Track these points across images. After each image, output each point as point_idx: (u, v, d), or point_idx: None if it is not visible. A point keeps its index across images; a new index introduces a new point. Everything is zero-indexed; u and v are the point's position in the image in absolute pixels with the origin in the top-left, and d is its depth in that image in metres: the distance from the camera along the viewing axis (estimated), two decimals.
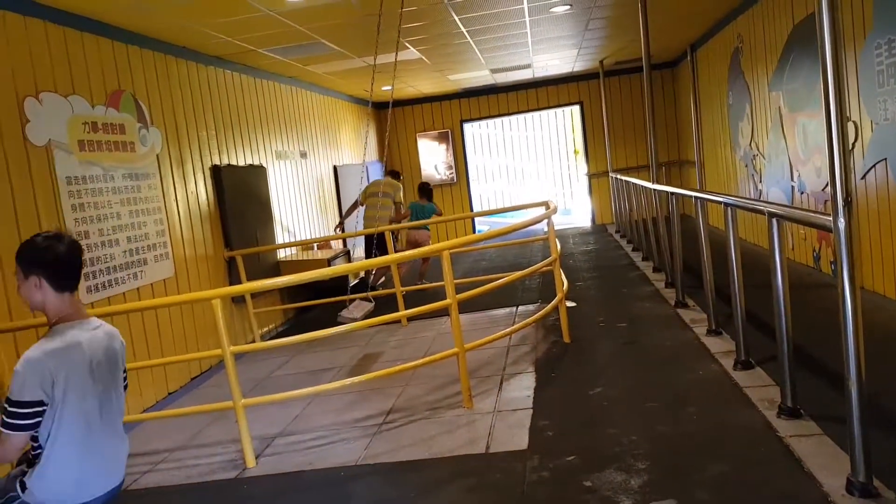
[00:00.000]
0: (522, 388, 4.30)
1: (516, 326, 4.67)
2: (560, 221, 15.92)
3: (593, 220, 13.94)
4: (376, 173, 12.89)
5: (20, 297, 2.29)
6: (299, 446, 3.98)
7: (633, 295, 6.59)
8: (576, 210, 16.76)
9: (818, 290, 5.87)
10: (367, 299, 5.77)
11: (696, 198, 4.65)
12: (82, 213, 4.86)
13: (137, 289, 5.39)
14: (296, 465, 3.71)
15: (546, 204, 6.15)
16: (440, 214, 9.09)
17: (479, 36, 7.98)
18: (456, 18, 6.93)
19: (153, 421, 4.76)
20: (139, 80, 5.73)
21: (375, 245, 7.31)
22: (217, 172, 6.78)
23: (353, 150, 11.69)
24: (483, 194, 18.30)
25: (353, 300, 5.80)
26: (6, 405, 2.10)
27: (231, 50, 6.84)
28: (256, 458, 3.84)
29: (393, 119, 13.85)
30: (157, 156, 5.88)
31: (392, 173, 9.72)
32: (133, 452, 4.26)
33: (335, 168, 10.48)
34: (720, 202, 4.00)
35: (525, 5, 6.79)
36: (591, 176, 13.76)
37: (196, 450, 4.23)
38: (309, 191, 9.29)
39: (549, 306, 5.01)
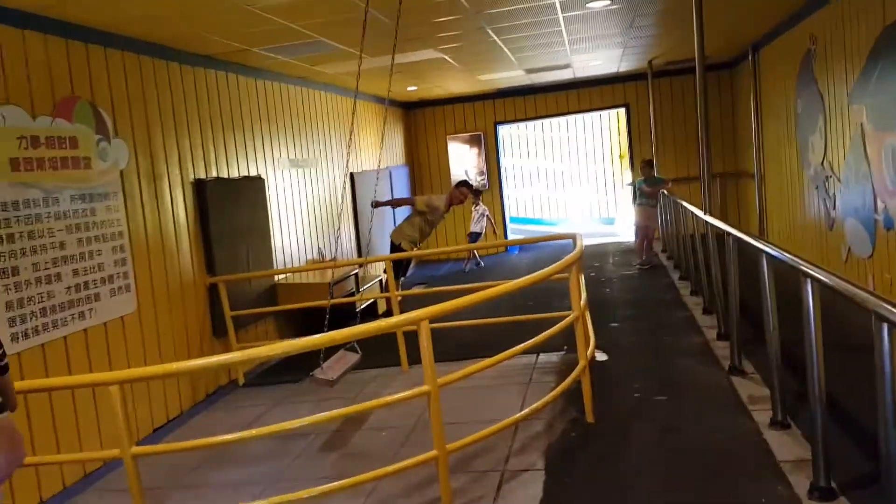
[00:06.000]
0: (526, 498, 3.33)
1: (525, 413, 3.69)
2: (601, 232, 14.79)
3: (637, 235, 12.75)
4: (401, 178, 12.03)
5: None
6: None
7: (678, 348, 5.53)
8: (619, 219, 15.58)
9: None
10: (352, 349, 4.86)
11: (762, 252, 3.59)
12: (10, 245, 4.07)
13: (85, 330, 4.60)
14: None
15: (573, 238, 5.17)
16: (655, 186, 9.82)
17: (507, 34, 6.98)
18: (475, 14, 5.96)
19: None
20: (101, 85, 4.93)
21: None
22: (201, 187, 5.96)
23: (375, 154, 10.82)
24: (519, 199, 17.24)
25: (337, 350, 4.86)
26: None
27: (220, 49, 6.01)
28: None
29: (422, 120, 12.94)
30: (122, 172, 5.09)
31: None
32: None
33: (352, 175, 9.61)
34: (801, 270, 2.93)
35: (556, 0, 5.78)
36: (633, 185, 12.58)
37: None
38: (319, 203, 8.44)
39: (570, 378, 4.02)
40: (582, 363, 4.05)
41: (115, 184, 5.01)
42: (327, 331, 4.89)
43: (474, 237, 11.71)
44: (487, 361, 3.42)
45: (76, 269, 4.57)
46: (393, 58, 5.37)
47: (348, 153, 5.56)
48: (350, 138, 5.66)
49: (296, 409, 5.26)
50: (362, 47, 4.55)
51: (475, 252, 11.86)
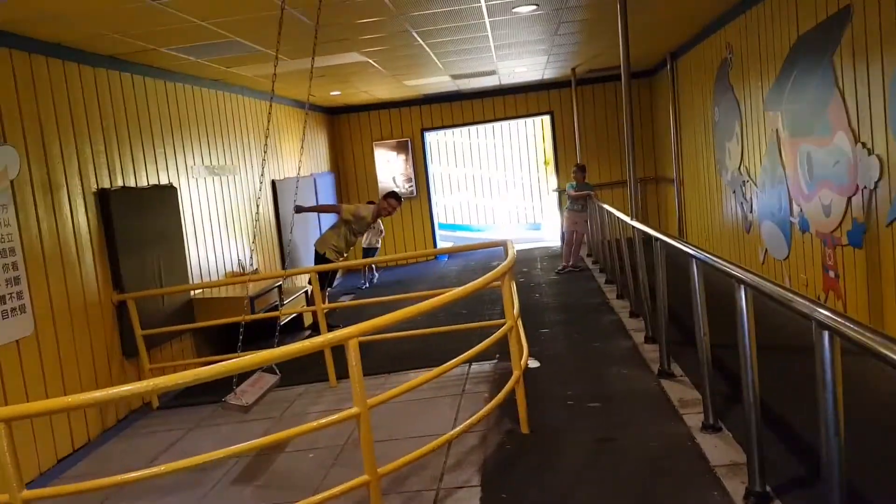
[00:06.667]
0: None
1: (459, 430, 3.53)
2: (528, 238, 14.90)
3: (563, 239, 12.90)
4: (326, 186, 11.71)
5: None
6: None
7: (608, 353, 5.52)
8: (545, 225, 15.74)
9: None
10: (270, 370, 4.56)
11: (693, 258, 3.57)
12: None
13: None
14: None
15: (504, 245, 5.08)
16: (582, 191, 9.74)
17: (432, 38, 6.85)
18: (399, 16, 5.80)
19: None
20: None
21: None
22: (105, 197, 5.51)
23: (298, 161, 10.48)
24: (447, 206, 17.21)
25: (252, 374, 4.55)
26: None
27: (124, 48, 5.61)
28: None
29: (348, 126, 12.68)
30: (12, 182, 4.61)
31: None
32: None
33: (273, 183, 9.25)
34: (734, 275, 2.90)
35: (483, 4, 5.69)
36: (560, 191, 12.72)
37: None
38: (239, 212, 8.04)
39: (505, 390, 3.89)
40: (516, 374, 3.93)
41: (4, 195, 4.53)
42: (241, 350, 4.64)
43: (371, 253, 10.82)
44: (420, 378, 3.25)
45: None
46: (313, 60, 5.12)
47: (264, 159, 5.27)
48: (266, 143, 5.36)
49: (215, 433, 4.94)
50: (278, 47, 4.30)
51: (373, 267, 11.37)
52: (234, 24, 5.29)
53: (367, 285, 10.90)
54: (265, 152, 5.50)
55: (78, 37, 5.09)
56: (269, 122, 4.39)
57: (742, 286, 2.79)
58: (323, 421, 2.90)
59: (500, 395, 3.82)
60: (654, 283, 4.76)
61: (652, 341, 5.45)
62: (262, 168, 5.11)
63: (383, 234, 11.13)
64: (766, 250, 6.60)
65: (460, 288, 3.58)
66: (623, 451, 3.66)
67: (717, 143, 8.11)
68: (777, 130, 6.10)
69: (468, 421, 3.58)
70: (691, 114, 9.29)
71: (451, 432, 3.47)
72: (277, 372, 4.57)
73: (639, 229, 5.46)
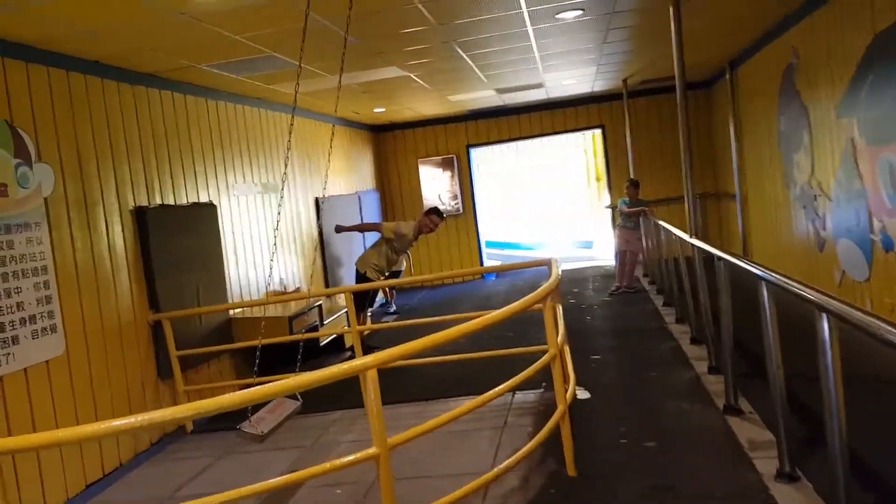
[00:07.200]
0: None
1: (497, 471, 3.17)
2: (579, 256, 14.41)
3: (617, 258, 12.38)
4: (371, 203, 11.56)
5: None
6: None
7: (666, 384, 5.06)
8: (598, 243, 15.22)
9: None
10: (292, 395, 4.29)
11: (763, 281, 3.15)
12: None
13: (0, 378, 4.03)
14: None
15: (549, 264, 4.73)
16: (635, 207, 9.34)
17: (475, 49, 6.59)
18: (440, 27, 5.56)
19: None
20: (21, 104, 4.40)
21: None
22: (142, 215, 5.42)
23: (343, 179, 10.37)
24: (494, 224, 16.85)
25: (267, 402, 4.28)
26: None
27: (163, 66, 5.53)
28: None
29: (392, 144, 12.54)
30: (46, 199, 4.54)
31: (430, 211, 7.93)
32: None
33: (317, 200, 9.12)
34: (815, 302, 2.48)
35: (524, 10, 5.39)
36: (613, 208, 12.24)
37: None
38: (282, 230, 7.91)
39: (548, 426, 3.52)
40: (561, 408, 3.56)
41: (37, 213, 4.46)
42: (257, 375, 4.40)
43: (397, 275, 9.71)
44: (452, 413, 2.93)
45: None
46: (342, 68, 4.91)
47: (284, 173, 5.12)
48: (286, 160, 5.22)
49: (244, 461, 4.70)
50: (302, 55, 4.10)
51: (394, 292, 10.61)
52: (269, 37, 5.14)
53: (391, 310, 10.41)
54: (286, 165, 5.37)
55: (115, 54, 5.02)
56: (290, 133, 4.18)
57: (825, 315, 2.38)
58: (337, 462, 2.61)
59: (544, 432, 3.45)
60: (718, 306, 4.33)
61: (716, 372, 4.97)
62: (283, 184, 4.94)
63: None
64: (844, 271, 6.03)
65: (496, 312, 3.26)
66: (684, 500, 3.24)
67: (783, 156, 7.56)
68: (852, 139, 5.57)
69: (507, 461, 3.23)
70: (753, 125, 8.75)
71: (489, 473, 3.12)
72: (299, 398, 4.31)
73: (699, 248, 5.02)
